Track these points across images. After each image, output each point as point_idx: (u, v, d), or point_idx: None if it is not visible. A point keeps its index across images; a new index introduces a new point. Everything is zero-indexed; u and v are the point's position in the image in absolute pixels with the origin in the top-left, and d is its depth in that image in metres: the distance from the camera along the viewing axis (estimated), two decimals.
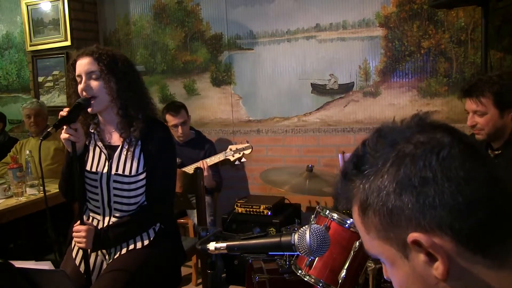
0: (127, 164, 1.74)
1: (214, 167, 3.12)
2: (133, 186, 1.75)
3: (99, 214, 1.79)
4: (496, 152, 1.89)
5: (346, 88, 3.26)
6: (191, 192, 2.43)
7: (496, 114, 1.79)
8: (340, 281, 1.74)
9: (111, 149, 1.78)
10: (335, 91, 3.30)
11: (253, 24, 3.47)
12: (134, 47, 3.92)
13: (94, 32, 3.95)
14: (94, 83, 1.68)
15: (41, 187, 2.61)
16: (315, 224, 1.09)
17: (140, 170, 1.75)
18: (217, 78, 3.65)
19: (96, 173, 1.76)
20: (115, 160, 1.75)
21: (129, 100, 1.73)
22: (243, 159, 2.99)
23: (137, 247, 1.77)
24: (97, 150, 1.79)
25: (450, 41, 2.95)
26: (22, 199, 2.53)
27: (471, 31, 2.89)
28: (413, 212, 0.56)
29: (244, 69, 3.55)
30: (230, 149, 2.99)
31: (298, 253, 1.05)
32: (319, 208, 1.91)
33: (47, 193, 1.72)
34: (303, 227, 1.06)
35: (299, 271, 1.83)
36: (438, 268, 0.56)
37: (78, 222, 1.68)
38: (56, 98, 3.96)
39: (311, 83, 3.36)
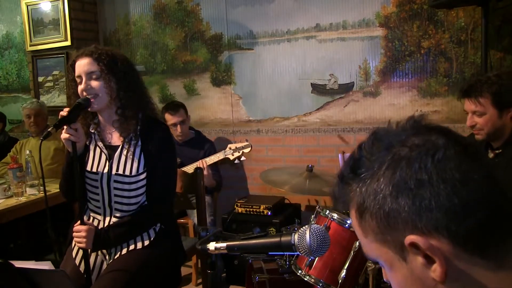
0: (128, 164, 1.74)
1: (214, 166, 3.12)
2: (133, 186, 1.75)
3: (99, 214, 1.79)
4: (497, 152, 1.89)
5: (346, 88, 3.26)
6: (191, 192, 2.43)
7: (495, 114, 1.79)
8: (340, 281, 1.74)
9: (111, 149, 1.78)
10: (335, 91, 3.30)
11: (253, 24, 3.47)
12: (134, 47, 3.92)
13: (94, 32, 3.95)
14: (94, 83, 1.68)
15: (41, 187, 2.61)
16: (315, 224, 1.09)
17: (141, 170, 1.75)
18: (217, 78, 3.65)
19: (96, 173, 1.76)
20: (116, 160, 1.75)
21: (129, 100, 1.74)
22: (243, 158, 2.99)
23: (137, 247, 1.77)
24: (98, 150, 1.79)
25: (450, 41, 2.95)
26: (22, 199, 2.53)
27: (471, 31, 2.89)
28: (409, 215, 0.56)
29: (244, 69, 3.55)
30: (230, 148, 2.99)
31: (298, 253, 1.05)
32: (319, 208, 1.91)
33: (47, 193, 1.71)
34: (303, 227, 1.06)
35: (299, 271, 1.83)
36: (436, 270, 0.56)
37: (79, 222, 1.68)
38: (56, 98, 3.96)
39: (311, 83, 3.36)
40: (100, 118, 1.81)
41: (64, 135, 1.62)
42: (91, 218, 1.82)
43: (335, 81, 3.29)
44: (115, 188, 1.74)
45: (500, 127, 1.81)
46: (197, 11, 3.65)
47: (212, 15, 3.60)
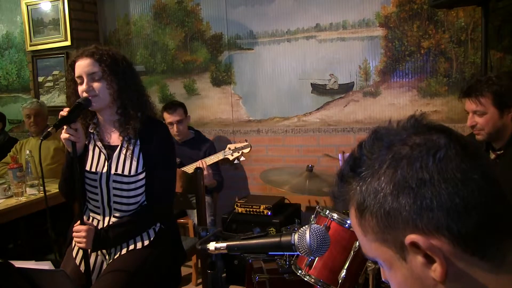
0: (127, 164, 1.74)
1: (214, 166, 3.12)
2: (132, 186, 1.75)
3: (99, 214, 1.79)
4: (498, 153, 1.89)
5: (346, 88, 3.26)
6: (191, 192, 2.43)
7: (495, 114, 1.79)
8: (340, 281, 1.74)
9: (110, 149, 1.78)
10: (335, 91, 3.30)
11: (253, 24, 3.47)
12: (134, 47, 3.92)
13: (94, 32, 3.95)
14: (96, 84, 1.68)
15: (41, 187, 2.61)
16: (315, 224, 1.09)
17: (140, 170, 1.75)
18: (217, 78, 3.65)
19: (95, 173, 1.76)
20: (115, 160, 1.75)
21: (129, 99, 1.74)
22: (242, 158, 2.99)
23: (137, 247, 1.77)
24: (97, 150, 1.79)
25: (450, 41, 2.95)
26: (22, 199, 2.53)
27: (471, 31, 2.89)
28: (410, 214, 0.56)
29: (244, 69, 3.55)
30: (229, 148, 2.99)
31: (298, 253, 1.05)
32: (319, 208, 1.91)
33: (47, 193, 1.72)
34: (303, 227, 1.06)
35: (299, 271, 1.83)
36: (436, 270, 0.56)
37: (78, 222, 1.68)
38: (56, 98, 3.96)
39: (311, 83, 3.36)
40: (100, 118, 1.80)
41: (64, 135, 1.62)
42: (91, 218, 1.82)
43: (335, 81, 3.29)
44: (114, 188, 1.74)
45: (501, 127, 1.81)
46: (197, 11, 3.65)
47: (212, 15, 3.60)
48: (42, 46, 3.88)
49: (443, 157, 0.56)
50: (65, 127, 1.61)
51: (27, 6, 3.90)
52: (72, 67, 1.73)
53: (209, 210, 3.03)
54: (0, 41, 4.45)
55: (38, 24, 3.88)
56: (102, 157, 1.77)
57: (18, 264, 1.25)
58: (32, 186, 2.60)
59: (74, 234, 1.68)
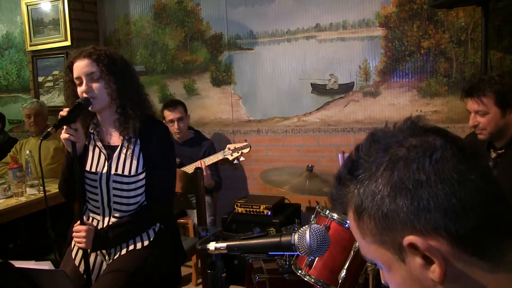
0: (127, 164, 1.74)
1: (213, 166, 3.12)
2: (132, 186, 1.75)
3: (98, 214, 1.79)
4: (499, 152, 1.89)
5: (346, 88, 3.26)
6: (191, 192, 2.43)
7: (498, 114, 1.79)
8: (340, 281, 1.74)
9: (110, 149, 1.78)
10: (335, 91, 3.30)
11: (253, 24, 3.47)
12: (134, 47, 3.92)
13: (94, 32, 3.95)
14: (95, 85, 1.68)
15: (41, 187, 2.61)
16: (315, 224, 1.09)
17: (140, 170, 1.75)
18: (217, 78, 3.65)
19: (95, 173, 1.76)
20: (115, 160, 1.75)
21: (128, 99, 1.74)
22: (242, 158, 2.98)
23: (137, 247, 1.77)
24: (97, 150, 1.79)
25: (450, 41, 2.95)
26: (22, 199, 2.53)
27: (471, 31, 2.89)
28: (408, 215, 0.56)
29: (244, 69, 3.55)
30: (229, 148, 2.99)
31: (298, 253, 1.05)
32: (319, 208, 1.91)
33: (47, 193, 1.72)
34: (303, 227, 1.06)
35: (299, 271, 1.83)
36: (434, 271, 0.56)
37: (78, 222, 1.68)
38: (56, 98, 3.96)
39: (311, 83, 3.36)
40: (99, 118, 1.80)
41: (64, 135, 1.62)
42: (90, 219, 1.82)
43: (335, 81, 3.29)
44: (114, 188, 1.74)
45: (503, 127, 1.81)
46: (197, 11, 3.65)
47: (212, 15, 3.60)
48: (42, 46, 3.88)
49: (439, 158, 0.57)
50: (65, 127, 1.61)
51: (27, 6, 3.90)
52: (70, 68, 1.72)
53: (209, 210, 3.03)
54: (0, 41, 4.45)
55: (38, 24, 3.88)
56: (102, 157, 1.77)
57: (18, 264, 1.25)
58: (32, 186, 2.60)
59: (74, 234, 1.68)
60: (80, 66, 1.68)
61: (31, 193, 2.59)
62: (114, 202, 1.75)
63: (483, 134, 1.85)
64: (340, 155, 3.11)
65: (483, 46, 2.51)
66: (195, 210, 2.42)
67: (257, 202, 3.06)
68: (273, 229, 2.83)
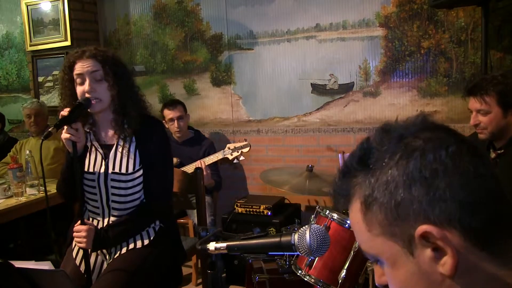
0: (123, 162, 1.75)
1: (213, 166, 3.12)
2: (130, 184, 1.75)
3: (98, 214, 1.79)
4: (499, 152, 1.89)
5: (346, 88, 3.26)
6: (191, 192, 2.43)
7: (499, 113, 1.79)
8: (340, 281, 1.74)
9: (106, 148, 1.78)
10: (335, 91, 3.30)
11: (253, 24, 3.47)
12: (134, 47, 3.92)
13: (94, 32, 3.95)
14: (98, 86, 1.68)
15: (41, 187, 2.61)
16: (315, 224, 1.09)
17: (137, 167, 1.76)
18: (217, 78, 3.65)
19: (93, 173, 1.76)
20: (111, 159, 1.76)
21: (127, 100, 1.75)
22: (242, 158, 2.99)
23: (137, 246, 1.77)
24: (93, 149, 1.79)
25: (450, 41, 2.95)
26: (22, 199, 2.53)
27: (471, 31, 2.89)
28: (422, 205, 0.56)
29: (244, 69, 3.55)
30: (228, 148, 2.99)
31: (298, 253, 1.05)
32: (319, 208, 1.91)
33: (47, 193, 1.71)
34: (303, 227, 1.06)
35: (299, 271, 1.83)
36: (445, 263, 0.55)
37: (79, 222, 1.68)
38: (56, 98, 3.95)
39: (311, 83, 3.36)
40: (95, 117, 1.80)
41: (64, 135, 1.61)
42: (90, 219, 1.82)
43: (335, 81, 3.29)
44: (112, 187, 1.75)
45: (504, 127, 1.81)
46: (197, 11, 3.65)
47: (212, 15, 3.60)
48: (42, 46, 3.88)
49: (455, 150, 0.57)
50: (65, 127, 1.61)
51: (27, 6, 3.90)
52: (71, 67, 1.71)
53: (209, 210, 3.03)
54: (0, 41, 4.45)
55: (38, 24, 3.88)
56: (99, 156, 1.77)
57: (18, 264, 1.25)
58: (32, 186, 2.60)
59: (74, 234, 1.68)
60: (85, 66, 1.67)
61: (31, 193, 2.59)
62: (113, 201, 1.76)
63: (483, 133, 1.85)
64: (340, 155, 3.11)
65: (483, 46, 2.51)
66: (195, 210, 2.42)
67: (257, 202, 3.06)
68: (273, 229, 2.83)
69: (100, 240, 1.69)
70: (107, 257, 1.79)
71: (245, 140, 3.02)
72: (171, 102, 3.27)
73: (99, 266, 1.80)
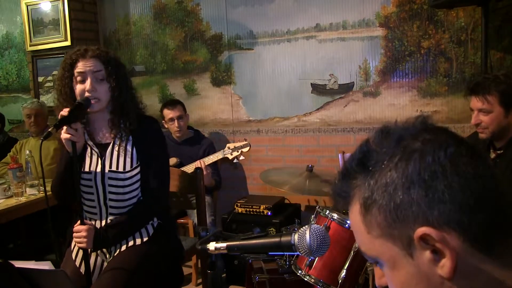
0: (120, 160, 1.75)
1: (213, 165, 3.12)
2: (127, 182, 1.76)
3: (95, 214, 1.79)
4: (498, 152, 1.89)
5: (346, 88, 3.26)
6: (191, 192, 2.43)
7: (501, 113, 1.79)
8: (340, 281, 1.74)
9: (101, 148, 1.78)
10: (335, 91, 3.30)
11: (253, 24, 3.47)
12: (134, 47, 3.92)
13: (94, 32, 3.95)
14: (99, 86, 1.69)
15: (41, 187, 2.61)
16: (315, 224, 1.09)
17: (134, 165, 1.77)
18: (217, 78, 3.65)
19: (89, 172, 1.75)
20: (108, 158, 1.76)
21: (127, 101, 1.76)
22: (242, 157, 2.99)
23: (137, 243, 1.79)
24: (88, 149, 1.79)
25: (450, 41, 2.95)
26: (22, 199, 2.53)
27: (471, 31, 2.89)
28: (421, 207, 0.56)
29: (244, 69, 3.55)
30: (228, 148, 2.99)
31: (298, 253, 1.05)
32: (319, 208, 1.91)
33: (47, 193, 1.71)
34: (303, 227, 1.06)
35: (299, 271, 1.83)
36: (444, 265, 0.55)
37: (78, 222, 1.68)
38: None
39: (311, 83, 3.36)
40: (91, 117, 1.79)
41: (64, 135, 1.61)
42: (88, 220, 1.82)
43: (335, 81, 3.29)
44: (109, 185, 1.75)
45: (505, 127, 1.81)
46: (197, 11, 3.65)
47: (212, 15, 3.60)
48: (42, 46, 3.88)
49: (454, 152, 0.57)
50: (65, 127, 1.61)
51: (27, 6, 3.90)
52: (72, 65, 1.71)
53: (209, 210, 3.03)
54: (0, 41, 4.45)
55: (38, 24, 3.88)
56: (95, 156, 1.77)
57: (18, 264, 1.25)
58: (32, 186, 2.60)
59: (74, 234, 1.68)
60: (87, 65, 1.67)
61: (31, 193, 2.59)
62: (110, 200, 1.76)
63: (484, 132, 1.85)
64: (340, 155, 3.11)
65: (483, 46, 2.51)
66: (195, 210, 2.42)
67: (257, 202, 3.06)
68: (273, 229, 2.83)
69: (100, 239, 1.69)
70: (107, 256, 1.80)
71: (245, 140, 3.03)
72: (170, 102, 3.28)
73: (99, 266, 1.80)
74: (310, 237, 1.03)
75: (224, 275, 3.07)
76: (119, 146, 1.76)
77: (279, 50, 3.42)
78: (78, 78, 1.68)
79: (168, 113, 3.21)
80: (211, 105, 3.70)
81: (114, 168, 1.75)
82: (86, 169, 1.76)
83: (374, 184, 0.59)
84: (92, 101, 1.67)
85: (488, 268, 0.56)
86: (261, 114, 3.55)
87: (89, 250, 1.70)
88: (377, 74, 3.16)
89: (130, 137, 1.78)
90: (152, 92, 3.85)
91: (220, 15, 3.57)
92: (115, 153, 1.76)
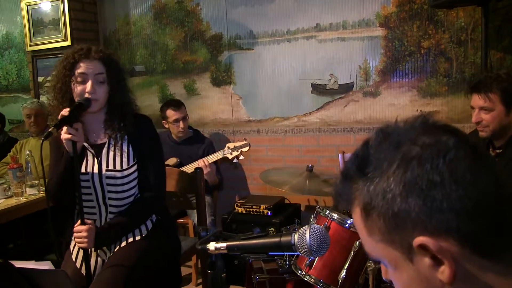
0: (117, 159, 1.76)
1: (214, 165, 3.12)
2: (126, 180, 1.77)
3: (94, 214, 1.79)
4: (498, 151, 1.89)
5: (346, 88, 3.26)
6: (191, 192, 2.43)
7: (502, 111, 1.79)
8: (340, 281, 1.74)
9: (97, 148, 1.79)
10: (335, 91, 3.30)
11: (253, 24, 3.47)
12: (134, 47, 3.92)
13: (94, 32, 3.95)
14: (99, 87, 1.69)
15: (41, 187, 2.61)
16: (315, 224, 1.09)
17: (131, 163, 1.78)
18: (217, 78, 3.65)
19: (86, 173, 1.75)
20: (104, 157, 1.77)
21: (125, 103, 1.78)
22: (241, 157, 2.99)
23: (136, 239, 1.80)
24: (84, 150, 1.78)
25: (450, 41, 2.95)
26: (22, 199, 2.53)
27: (471, 31, 2.89)
28: (419, 216, 0.55)
29: (244, 69, 3.55)
30: (228, 147, 2.99)
31: (298, 253, 1.05)
32: (319, 208, 1.90)
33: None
34: (303, 227, 1.06)
35: (299, 271, 1.83)
36: (444, 272, 0.55)
37: (79, 222, 1.68)
38: None
39: (311, 83, 3.36)
40: (85, 117, 1.77)
41: (65, 135, 1.61)
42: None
43: (335, 81, 3.29)
44: (108, 184, 1.76)
45: (506, 125, 1.82)
46: (197, 11, 3.65)
47: (212, 15, 3.60)
48: (42, 46, 3.88)
49: (453, 158, 0.56)
50: (65, 127, 1.61)
51: (27, 6, 3.90)
52: (73, 64, 1.70)
53: (209, 210, 3.03)
54: (0, 41, 4.45)
55: (38, 24, 3.88)
56: (90, 156, 1.77)
57: (18, 264, 1.25)
58: (32, 186, 2.60)
59: (75, 234, 1.68)
60: (90, 67, 1.68)
61: (31, 193, 2.59)
62: (109, 198, 1.77)
63: (485, 131, 1.85)
64: (340, 155, 3.11)
65: (483, 46, 2.51)
66: (195, 210, 2.42)
67: (257, 202, 3.06)
68: (273, 229, 2.83)
69: (101, 238, 1.69)
70: (107, 254, 1.80)
71: (245, 139, 3.03)
72: (174, 103, 3.26)
73: (100, 267, 1.80)
74: (310, 237, 1.03)
75: (224, 275, 3.07)
76: (115, 145, 1.77)
77: (279, 50, 3.41)
78: (79, 79, 1.68)
79: (173, 114, 3.20)
80: (211, 105, 3.70)
81: (111, 167, 1.76)
82: (83, 170, 1.76)
83: (373, 191, 0.59)
84: (93, 102, 1.68)
85: (490, 273, 0.55)
86: (261, 114, 3.55)
87: (89, 250, 1.70)
88: (377, 74, 3.16)
89: (126, 136, 1.79)
90: (152, 92, 3.85)
91: (220, 15, 3.57)
92: (111, 152, 1.77)
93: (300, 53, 3.36)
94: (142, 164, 1.80)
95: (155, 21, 3.81)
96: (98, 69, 1.69)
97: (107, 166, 1.76)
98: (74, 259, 1.82)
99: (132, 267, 1.68)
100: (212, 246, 1.15)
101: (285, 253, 1.89)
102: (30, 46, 3.95)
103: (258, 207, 3.00)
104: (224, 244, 1.14)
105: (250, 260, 2.17)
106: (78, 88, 1.68)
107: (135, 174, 1.79)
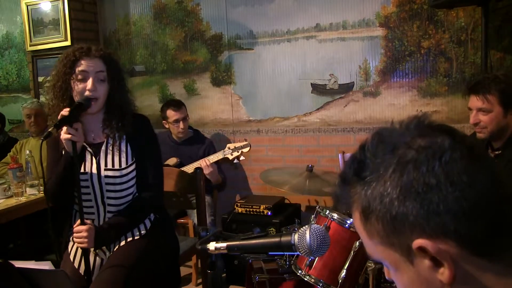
0: (116, 158, 1.76)
1: (215, 165, 3.12)
2: (124, 179, 1.77)
3: (92, 213, 1.79)
4: (496, 152, 1.89)
5: (346, 88, 3.26)
6: (191, 192, 2.43)
7: (500, 113, 1.79)
8: (340, 281, 1.74)
9: (95, 147, 1.78)
10: (335, 91, 3.30)
11: (253, 24, 3.47)
12: (134, 47, 3.92)
13: (94, 32, 3.95)
14: (99, 86, 1.69)
15: (41, 187, 2.61)
16: (315, 224, 1.09)
17: (130, 162, 1.78)
18: (217, 78, 3.65)
19: (85, 173, 1.75)
20: (103, 157, 1.76)
21: (124, 102, 1.78)
22: (242, 158, 2.99)
23: (135, 238, 1.80)
24: (83, 150, 1.78)
25: (450, 41, 2.95)
26: (22, 199, 2.53)
27: (471, 31, 2.89)
28: (417, 219, 0.56)
29: (244, 69, 3.55)
30: (229, 148, 2.99)
31: (298, 253, 1.05)
32: (319, 208, 1.91)
33: None
34: (303, 227, 1.06)
35: (299, 271, 1.83)
36: (443, 273, 0.55)
37: (78, 222, 1.68)
38: None
39: (311, 83, 3.36)
40: (84, 117, 1.75)
41: (65, 135, 1.60)
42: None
43: (335, 81, 3.29)
44: (106, 184, 1.75)
45: (504, 126, 1.81)
46: (197, 11, 3.65)
47: (212, 15, 3.60)
48: (42, 46, 3.88)
49: (448, 160, 0.56)
50: (65, 127, 1.61)
51: (27, 6, 3.90)
52: (74, 62, 1.69)
53: (209, 210, 3.03)
54: (0, 41, 4.45)
55: (38, 24, 3.88)
56: (88, 156, 1.77)
57: (18, 264, 1.25)
58: (32, 186, 2.60)
59: (75, 234, 1.67)
60: (91, 65, 1.68)
61: (31, 193, 2.59)
62: (108, 198, 1.76)
63: (483, 132, 1.85)
64: (340, 155, 3.11)
65: (483, 46, 2.51)
66: (195, 210, 2.42)
67: (257, 202, 3.06)
68: (273, 229, 2.83)
69: (101, 238, 1.69)
70: (106, 254, 1.80)
71: (245, 140, 3.03)
72: (175, 103, 3.26)
73: (99, 267, 1.80)
74: (310, 237, 1.03)
75: (224, 275, 3.07)
76: (113, 145, 1.77)
77: (279, 50, 3.41)
78: (79, 77, 1.67)
79: (174, 115, 3.19)
80: (211, 105, 3.70)
81: (110, 166, 1.76)
82: (81, 169, 1.76)
83: (370, 195, 0.59)
84: (92, 102, 1.68)
85: (489, 274, 0.56)
86: (261, 114, 3.55)
87: (89, 250, 1.70)
88: (377, 74, 3.16)
89: (124, 136, 1.79)
90: (152, 92, 3.85)
91: (220, 15, 3.57)
92: (110, 152, 1.77)
93: (300, 53, 3.36)
94: (140, 164, 1.81)
95: (155, 21, 3.81)
96: (99, 67, 1.69)
97: (106, 165, 1.76)
98: (72, 259, 1.81)
99: (131, 267, 1.68)
100: (212, 246, 1.15)
101: (285, 253, 1.89)
102: (30, 46, 3.95)
103: (258, 207, 3.00)
104: (224, 244, 1.14)
105: (250, 260, 2.17)
106: (78, 86, 1.67)
107: (133, 174, 1.80)
